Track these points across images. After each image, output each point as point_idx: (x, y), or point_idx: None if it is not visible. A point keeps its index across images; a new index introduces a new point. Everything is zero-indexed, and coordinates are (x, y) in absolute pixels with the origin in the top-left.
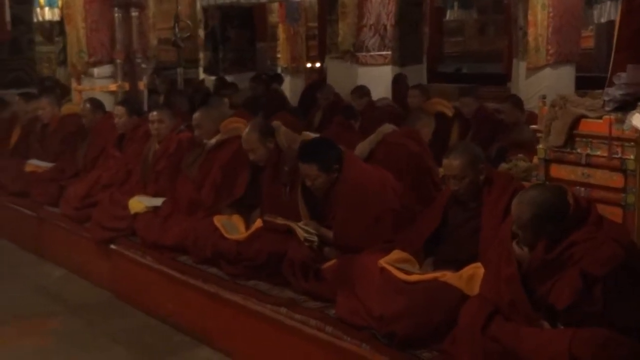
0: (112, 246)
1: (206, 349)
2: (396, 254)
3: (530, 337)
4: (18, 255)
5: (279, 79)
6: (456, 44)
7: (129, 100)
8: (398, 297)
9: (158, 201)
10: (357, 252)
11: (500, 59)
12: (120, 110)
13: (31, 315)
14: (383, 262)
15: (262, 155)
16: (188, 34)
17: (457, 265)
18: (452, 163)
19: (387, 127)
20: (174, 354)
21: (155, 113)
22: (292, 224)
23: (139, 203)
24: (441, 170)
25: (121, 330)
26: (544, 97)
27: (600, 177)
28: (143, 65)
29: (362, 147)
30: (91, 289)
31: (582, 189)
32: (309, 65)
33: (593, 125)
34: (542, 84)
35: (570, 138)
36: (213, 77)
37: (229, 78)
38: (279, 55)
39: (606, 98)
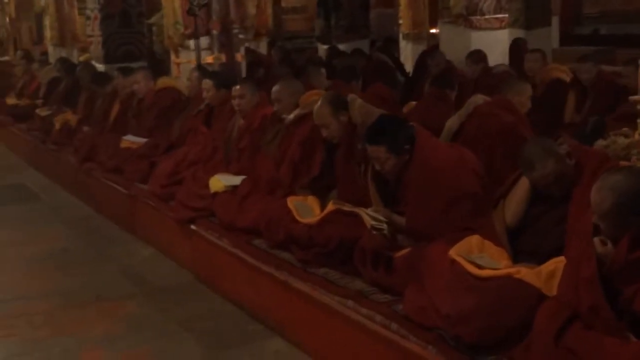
0: (193, 226)
1: (278, 340)
2: (474, 242)
3: (613, 350)
4: (112, 233)
5: (389, 47)
6: (595, 3)
7: (217, 73)
8: (467, 294)
9: (237, 180)
10: (431, 240)
11: None
12: (207, 83)
13: (111, 298)
14: (454, 252)
15: (335, 131)
16: (205, 1)
17: (540, 258)
18: (534, 176)
19: (478, 98)
20: (244, 344)
21: (237, 87)
22: (360, 211)
23: (218, 182)
24: None
25: (195, 316)
26: None
27: None
28: (241, 36)
29: (452, 121)
30: (175, 270)
31: None
32: (433, 31)
33: None
34: None
35: None
36: (325, 46)
37: (341, 46)
38: (400, 22)
39: None
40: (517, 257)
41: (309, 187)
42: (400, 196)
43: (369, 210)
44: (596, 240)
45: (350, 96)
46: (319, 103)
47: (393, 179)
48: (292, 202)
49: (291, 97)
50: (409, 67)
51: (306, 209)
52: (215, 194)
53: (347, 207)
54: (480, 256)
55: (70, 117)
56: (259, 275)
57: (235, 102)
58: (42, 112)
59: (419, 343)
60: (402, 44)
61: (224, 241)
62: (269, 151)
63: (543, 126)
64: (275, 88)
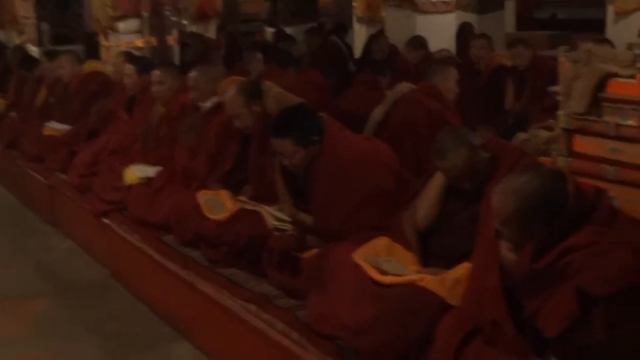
0: (106, 220)
1: (184, 344)
2: (382, 244)
3: None
4: (32, 225)
5: (341, 30)
6: None
7: (141, 58)
8: (368, 303)
9: (152, 171)
10: (340, 241)
11: (602, 3)
12: (129, 69)
13: (22, 297)
14: (358, 256)
15: (247, 121)
16: None
17: (451, 262)
18: (445, 165)
19: (404, 86)
20: (149, 348)
21: (157, 73)
22: (262, 209)
23: (132, 173)
24: None
25: (105, 317)
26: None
27: (632, 153)
28: (173, 18)
29: (377, 110)
30: (91, 266)
31: (611, 167)
32: None
33: (624, 87)
34: (632, 31)
35: (596, 103)
36: (272, 30)
37: (288, 30)
38: (354, 4)
39: (638, 51)
40: (428, 260)
41: (223, 181)
42: (309, 193)
43: (272, 209)
44: (503, 245)
45: (266, 84)
46: (230, 92)
47: (302, 174)
48: (202, 196)
49: (208, 84)
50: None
51: (217, 205)
52: (130, 186)
53: (249, 205)
54: (387, 260)
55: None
56: (166, 274)
57: (154, 88)
58: None
59: (318, 355)
60: (357, 27)
61: (135, 237)
62: (185, 141)
63: (485, 114)
64: (191, 74)
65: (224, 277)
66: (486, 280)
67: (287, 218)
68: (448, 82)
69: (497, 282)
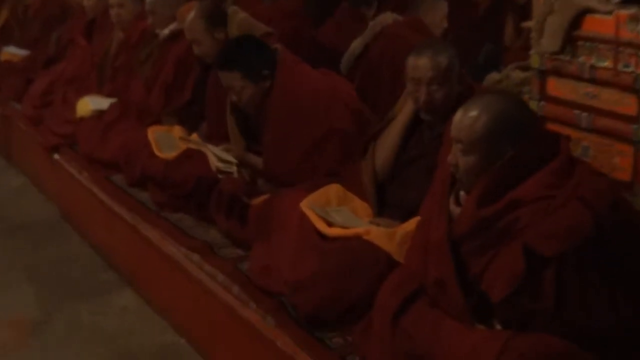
0: (56, 156)
1: (129, 293)
2: (333, 192)
3: (450, 338)
4: None
5: None
6: None
7: None
8: (310, 256)
9: (106, 104)
10: (291, 185)
11: None
12: None
13: None
14: (306, 204)
15: (208, 49)
16: None
17: (406, 214)
18: (418, 63)
19: (387, 17)
20: (90, 297)
21: None
22: (206, 149)
23: (86, 105)
24: None
25: (47, 260)
26: None
27: (607, 98)
28: None
29: (356, 43)
30: (41, 205)
31: (584, 114)
32: None
33: (600, 24)
34: None
35: (571, 41)
36: None
37: None
38: None
39: None
40: (383, 212)
41: (179, 115)
42: (260, 133)
43: (217, 149)
44: (451, 194)
45: (231, 9)
46: (191, 15)
47: (253, 112)
48: (153, 132)
49: (167, 9)
50: None
51: (169, 142)
52: (82, 119)
53: (193, 144)
54: (337, 210)
55: None
56: (113, 217)
57: (113, 12)
58: None
59: (258, 312)
60: None
61: (84, 175)
62: (141, 72)
63: (482, 51)
64: None
65: (170, 222)
66: (431, 233)
67: (233, 160)
68: (435, 15)
69: (443, 235)
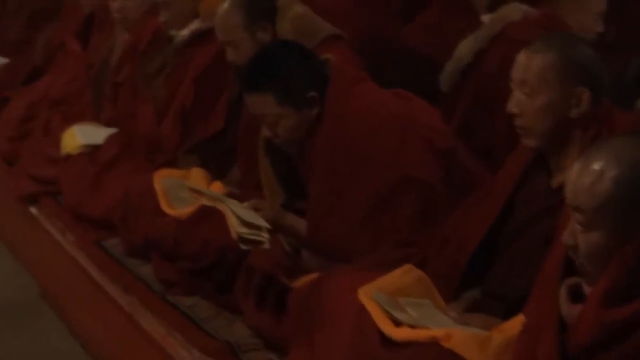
0: (33, 209)
1: None
2: (406, 275)
3: None
4: None
5: None
6: None
7: None
8: None
9: (102, 136)
10: (348, 260)
11: None
12: None
13: None
14: (366, 292)
15: (247, 53)
16: None
17: (509, 307)
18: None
19: (514, 10)
20: None
21: None
22: (224, 206)
23: (73, 137)
24: None
25: (16, 356)
26: None
27: None
28: None
29: (465, 47)
30: (14, 277)
31: None
32: None
33: None
34: None
35: None
36: None
37: None
38: None
39: None
40: (481, 303)
41: (201, 153)
42: (304, 183)
43: (241, 207)
44: (563, 289)
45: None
46: (224, 5)
47: (294, 152)
48: (161, 179)
49: (186, 2)
50: None
51: (183, 192)
52: (68, 157)
53: (206, 199)
54: (415, 302)
55: None
56: (102, 300)
57: (114, 5)
58: None
59: None
60: None
61: (67, 238)
62: (152, 90)
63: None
64: None
65: (180, 311)
66: (538, 346)
67: (263, 223)
68: (584, 13)
69: (551, 349)
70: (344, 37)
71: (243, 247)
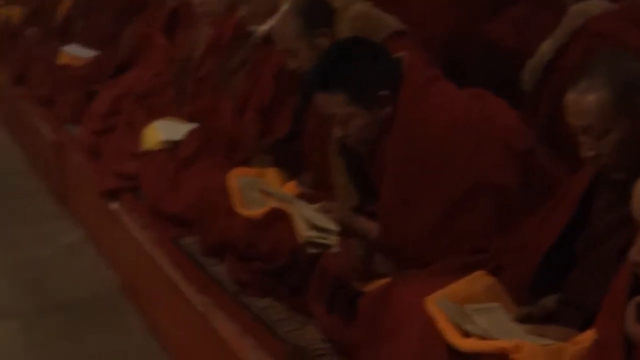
0: (113, 204)
1: None
2: (477, 283)
3: None
4: (36, 202)
5: None
6: None
7: None
8: None
9: (180, 132)
10: (417, 266)
11: None
12: None
13: None
14: (434, 301)
15: (306, 61)
16: None
17: (587, 317)
18: (583, 101)
19: (594, 5)
20: None
21: None
22: (293, 207)
23: (153, 133)
24: None
25: (96, 353)
26: None
27: None
28: None
29: (547, 44)
30: (96, 272)
31: None
32: None
33: None
34: None
35: None
36: None
37: None
38: None
39: None
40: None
41: (276, 152)
42: (376, 184)
43: (311, 209)
44: (631, 307)
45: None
46: (280, 12)
47: (365, 153)
48: (235, 178)
49: None
50: None
51: (255, 193)
52: (148, 153)
53: (275, 200)
54: (484, 309)
55: (15, 13)
56: (178, 299)
57: (197, 0)
58: None
59: None
60: None
61: (147, 235)
62: (232, 86)
63: None
64: None
65: (252, 313)
66: None
67: (333, 226)
68: None
69: None
70: (409, 32)
71: (310, 250)
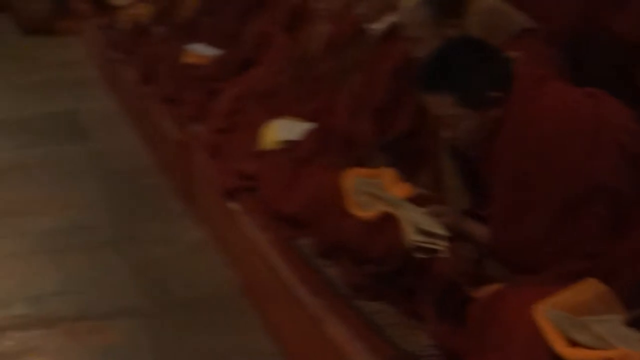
0: (231, 204)
1: None
2: (590, 288)
3: None
4: (161, 201)
5: None
6: None
7: None
8: None
9: (297, 130)
10: (532, 270)
11: None
12: None
13: (102, 316)
14: (543, 308)
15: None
16: None
17: None
18: None
19: None
20: None
21: None
22: (401, 210)
23: (272, 131)
24: None
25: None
26: None
27: None
28: None
29: None
30: (216, 272)
31: None
32: None
33: None
34: None
35: None
36: None
37: None
38: None
39: None
40: None
41: (392, 152)
42: (487, 187)
43: (420, 212)
44: None
45: None
46: (414, 1)
47: (475, 155)
48: (350, 178)
49: None
50: None
51: (373, 192)
52: (267, 152)
53: (384, 203)
54: (602, 320)
55: (143, 12)
56: (292, 301)
57: None
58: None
59: None
60: None
61: (265, 236)
62: (348, 85)
63: None
64: None
65: (364, 316)
66: None
67: (441, 231)
68: None
69: None
70: (538, 30)
71: (417, 255)
